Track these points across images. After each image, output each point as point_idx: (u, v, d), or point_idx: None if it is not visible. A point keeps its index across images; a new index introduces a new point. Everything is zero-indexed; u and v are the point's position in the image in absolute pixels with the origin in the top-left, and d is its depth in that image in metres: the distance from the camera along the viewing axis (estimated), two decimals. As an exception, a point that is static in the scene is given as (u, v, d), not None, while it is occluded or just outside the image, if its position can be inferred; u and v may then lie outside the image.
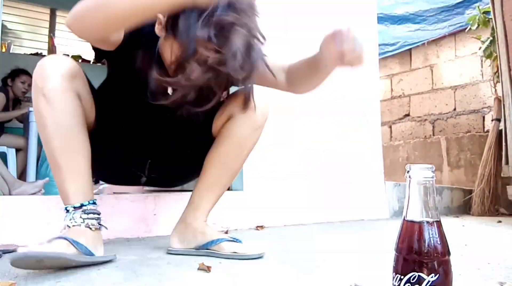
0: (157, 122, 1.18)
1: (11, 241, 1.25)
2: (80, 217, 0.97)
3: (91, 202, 1.01)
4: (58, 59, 1.00)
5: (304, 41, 2.06)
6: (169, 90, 1.12)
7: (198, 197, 1.18)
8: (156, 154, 1.30)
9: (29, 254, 0.82)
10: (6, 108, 3.38)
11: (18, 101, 3.57)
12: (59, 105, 0.96)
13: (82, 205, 0.98)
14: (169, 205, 1.53)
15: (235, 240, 1.12)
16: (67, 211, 0.98)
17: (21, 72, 3.52)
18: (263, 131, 1.21)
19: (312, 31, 2.11)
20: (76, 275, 0.90)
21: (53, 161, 0.98)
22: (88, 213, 0.98)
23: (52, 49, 4.87)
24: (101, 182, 2.73)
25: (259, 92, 1.17)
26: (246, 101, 1.13)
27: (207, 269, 0.95)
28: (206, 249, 1.11)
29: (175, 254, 1.15)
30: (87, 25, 0.89)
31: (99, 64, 3.94)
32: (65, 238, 0.91)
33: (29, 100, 4.10)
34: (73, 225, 0.96)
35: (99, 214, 1.02)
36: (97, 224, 1.00)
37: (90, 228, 0.98)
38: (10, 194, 2.11)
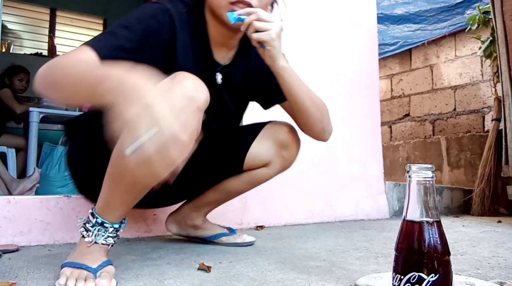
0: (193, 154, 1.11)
1: (11, 241, 1.25)
2: (112, 238, 0.91)
3: (123, 223, 0.95)
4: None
5: (303, 42, 2.07)
6: None
7: (200, 203, 1.34)
8: (185, 184, 1.25)
9: None
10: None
11: (17, 99, 3.52)
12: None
13: (120, 227, 0.93)
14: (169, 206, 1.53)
15: (231, 232, 1.37)
16: (103, 225, 0.90)
17: (19, 70, 3.43)
18: None
19: (312, 31, 2.12)
20: (76, 275, 0.90)
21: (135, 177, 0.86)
22: (117, 234, 0.94)
23: (52, 49, 4.87)
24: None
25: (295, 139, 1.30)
26: (289, 158, 1.31)
27: (207, 269, 0.95)
28: (208, 241, 1.35)
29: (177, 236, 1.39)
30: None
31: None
32: (108, 272, 0.86)
33: (29, 100, 4.09)
34: (102, 244, 0.90)
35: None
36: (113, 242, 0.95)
37: (112, 246, 0.94)
38: (9, 193, 2.11)
